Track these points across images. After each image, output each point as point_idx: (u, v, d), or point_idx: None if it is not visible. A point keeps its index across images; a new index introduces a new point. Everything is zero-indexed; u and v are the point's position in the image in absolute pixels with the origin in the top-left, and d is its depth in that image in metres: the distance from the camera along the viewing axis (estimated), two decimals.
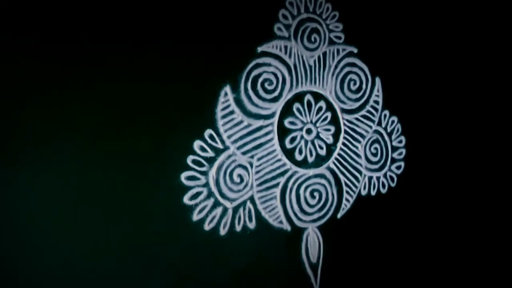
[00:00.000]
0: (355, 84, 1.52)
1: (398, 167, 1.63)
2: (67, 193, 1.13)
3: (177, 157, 1.25)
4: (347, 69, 1.50)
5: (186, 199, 1.26)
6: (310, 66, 1.44)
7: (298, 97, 1.42)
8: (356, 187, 1.54)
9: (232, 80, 1.31)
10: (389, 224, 1.63)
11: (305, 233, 1.46)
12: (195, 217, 1.27)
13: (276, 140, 1.39)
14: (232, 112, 1.32)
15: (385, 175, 1.60)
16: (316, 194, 1.47)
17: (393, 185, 1.62)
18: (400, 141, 1.63)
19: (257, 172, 1.36)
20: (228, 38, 1.30)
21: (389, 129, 1.60)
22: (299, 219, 1.44)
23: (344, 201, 1.52)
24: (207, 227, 1.29)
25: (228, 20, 1.30)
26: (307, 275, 1.46)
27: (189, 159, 1.26)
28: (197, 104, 1.27)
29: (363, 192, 1.56)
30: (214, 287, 1.32)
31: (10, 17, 1.06)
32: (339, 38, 1.48)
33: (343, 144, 1.51)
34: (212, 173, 1.29)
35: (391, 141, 1.61)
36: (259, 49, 1.35)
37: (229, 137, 1.31)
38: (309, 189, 1.46)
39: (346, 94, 1.51)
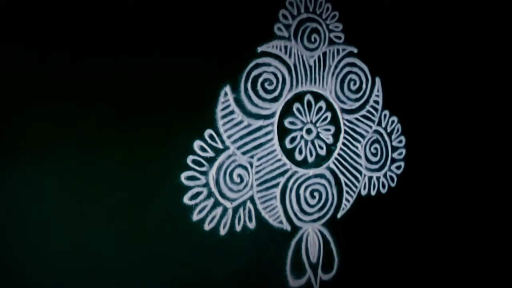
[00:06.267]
0: (355, 84, 1.52)
1: (398, 167, 1.63)
2: (67, 193, 1.13)
3: (177, 157, 1.25)
4: (347, 69, 1.50)
5: (186, 199, 1.26)
6: (310, 66, 1.44)
7: (298, 97, 1.42)
8: (356, 187, 1.54)
9: (232, 80, 1.31)
10: (389, 224, 1.63)
11: (305, 233, 1.46)
12: (195, 217, 1.27)
13: (276, 140, 1.39)
14: (232, 112, 1.32)
15: (385, 175, 1.60)
16: (316, 194, 1.47)
17: (393, 185, 1.62)
18: (400, 141, 1.63)
19: (257, 172, 1.36)
20: (228, 38, 1.30)
21: (389, 129, 1.60)
22: (299, 219, 1.44)
23: (344, 201, 1.52)
24: (207, 227, 1.29)
25: (228, 20, 1.30)
26: (307, 275, 1.46)
27: (189, 159, 1.26)
28: (197, 104, 1.27)
29: (363, 192, 1.56)
30: (214, 287, 1.32)
31: (10, 18, 1.06)
32: (339, 38, 1.48)
33: (343, 144, 1.51)
34: (212, 173, 1.29)
35: (391, 141, 1.61)
36: (259, 49, 1.35)
37: (229, 137, 1.31)
38: (309, 189, 1.46)
39: (346, 94, 1.51)
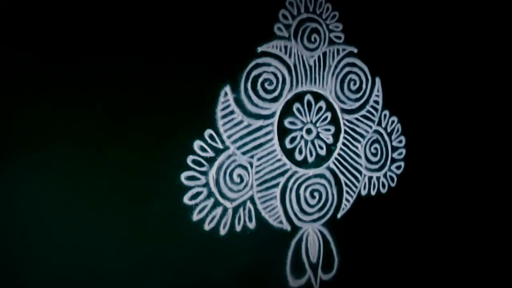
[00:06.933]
0: (355, 84, 1.52)
1: (398, 167, 1.63)
2: (67, 193, 1.13)
3: (177, 157, 1.25)
4: (347, 69, 1.50)
5: (186, 199, 1.26)
6: (310, 66, 1.44)
7: (298, 97, 1.42)
8: (356, 187, 1.54)
9: (232, 80, 1.31)
10: (389, 224, 1.63)
11: (305, 233, 1.46)
12: (195, 217, 1.27)
13: (276, 140, 1.39)
14: (232, 112, 1.32)
15: (385, 175, 1.60)
16: (316, 194, 1.47)
17: (393, 185, 1.62)
18: (400, 141, 1.63)
19: (257, 172, 1.36)
20: (228, 38, 1.30)
21: (389, 129, 1.60)
22: (299, 219, 1.44)
23: (344, 201, 1.52)
24: (207, 227, 1.29)
25: (228, 20, 1.30)
26: (307, 275, 1.46)
27: (189, 159, 1.26)
28: (197, 104, 1.27)
29: (363, 192, 1.56)
30: (214, 287, 1.32)
31: (10, 18, 1.06)
32: (339, 38, 1.48)
33: (343, 144, 1.51)
34: (212, 173, 1.29)
35: (391, 141, 1.61)
36: (259, 49, 1.35)
37: (229, 137, 1.31)
38: (309, 189, 1.46)
39: (346, 94, 1.51)
